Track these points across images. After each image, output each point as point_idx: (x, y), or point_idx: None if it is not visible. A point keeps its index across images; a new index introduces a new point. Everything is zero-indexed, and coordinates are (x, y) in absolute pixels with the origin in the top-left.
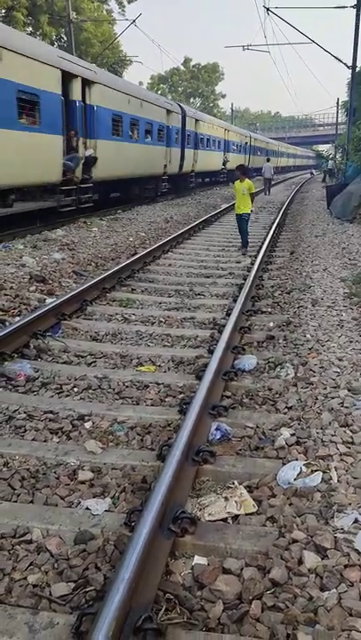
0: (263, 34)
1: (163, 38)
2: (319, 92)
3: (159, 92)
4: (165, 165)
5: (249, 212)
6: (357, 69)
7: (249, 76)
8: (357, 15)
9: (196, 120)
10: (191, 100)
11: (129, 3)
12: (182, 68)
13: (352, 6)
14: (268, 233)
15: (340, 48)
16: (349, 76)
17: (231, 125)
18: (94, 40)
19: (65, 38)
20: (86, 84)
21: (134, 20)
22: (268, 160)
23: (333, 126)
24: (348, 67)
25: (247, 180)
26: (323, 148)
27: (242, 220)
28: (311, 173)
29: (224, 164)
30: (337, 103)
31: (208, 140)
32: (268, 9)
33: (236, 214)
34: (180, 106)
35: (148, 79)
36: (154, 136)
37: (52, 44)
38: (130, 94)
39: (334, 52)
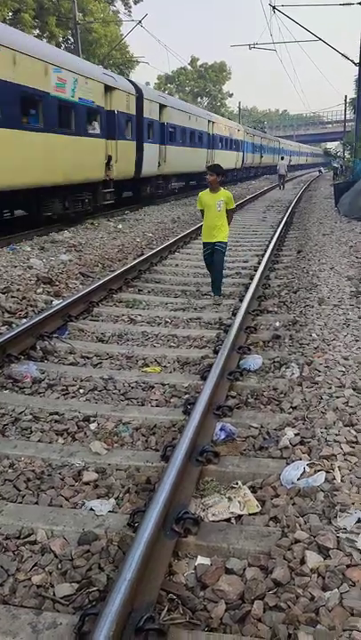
0: (269, 32)
1: (169, 38)
2: (327, 89)
3: (166, 92)
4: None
5: (226, 239)
6: None
7: (256, 74)
8: None
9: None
10: (199, 99)
11: (135, 3)
12: (189, 67)
13: (358, 3)
14: (275, 231)
15: (348, 45)
16: (357, 72)
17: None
18: (103, 41)
19: (72, 40)
20: None
21: (140, 21)
22: (282, 158)
23: (342, 123)
24: (355, 64)
25: (223, 189)
26: (331, 145)
27: (216, 254)
28: (320, 171)
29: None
30: (345, 100)
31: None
32: (273, 7)
33: (206, 243)
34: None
35: (155, 79)
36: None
37: (59, 46)
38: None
39: (341, 49)
